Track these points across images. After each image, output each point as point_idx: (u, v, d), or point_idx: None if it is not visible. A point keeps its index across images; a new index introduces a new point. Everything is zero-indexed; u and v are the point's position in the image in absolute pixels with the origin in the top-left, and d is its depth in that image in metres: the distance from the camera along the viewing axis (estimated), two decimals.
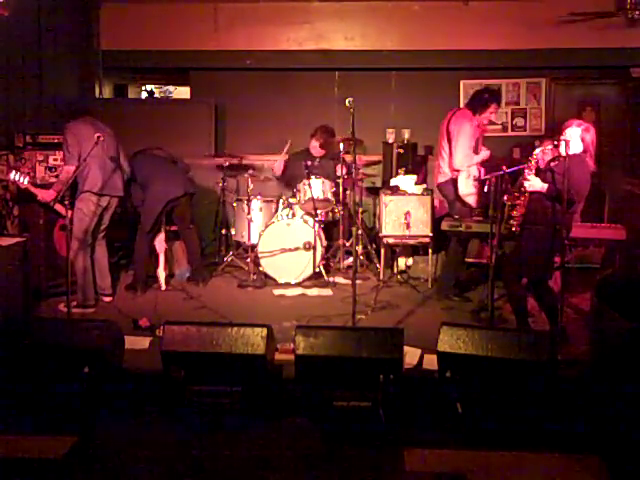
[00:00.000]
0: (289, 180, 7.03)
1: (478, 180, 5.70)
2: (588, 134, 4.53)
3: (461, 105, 8.11)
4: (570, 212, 4.54)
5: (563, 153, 4.46)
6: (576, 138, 4.50)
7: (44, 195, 5.39)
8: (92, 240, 5.55)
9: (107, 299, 5.71)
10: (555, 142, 4.48)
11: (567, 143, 4.43)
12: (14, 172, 5.36)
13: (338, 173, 6.65)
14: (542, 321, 4.89)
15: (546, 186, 4.48)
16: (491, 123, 6.13)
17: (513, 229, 4.62)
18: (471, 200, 5.76)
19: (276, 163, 7.10)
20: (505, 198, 4.65)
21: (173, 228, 6.40)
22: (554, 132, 4.81)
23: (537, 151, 4.60)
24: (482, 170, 5.82)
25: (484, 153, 5.79)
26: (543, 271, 4.67)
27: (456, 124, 5.68)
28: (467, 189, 5.73)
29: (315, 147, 6.94)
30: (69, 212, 4.83)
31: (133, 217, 6.29)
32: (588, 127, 4.57)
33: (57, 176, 5.96)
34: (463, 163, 5.65)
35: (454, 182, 5.77)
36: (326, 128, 6.98)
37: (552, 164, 4.59)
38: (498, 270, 4.72)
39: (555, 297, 4.75)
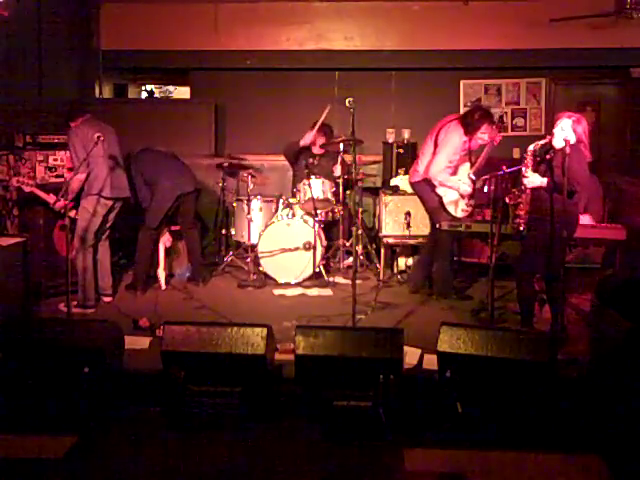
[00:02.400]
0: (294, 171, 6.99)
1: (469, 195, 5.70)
2: (580, 125, 4.53)
3: (461, 105, 8.16)
4: (574, 202, 4.54)
5: (558, 146, 4.46)
6: (568, 129, 4.51)
7: (49, 199, 5.43)
8: (95, 241, 5.55)
9: (107, 299, 5.71)
10: (548, 136, 4.51)
11: (567, 143, 4.43)
12: (16, 179, 5.41)
13: (336, 173, 6.65)
14: (543, 321, 4.89)
15: (545, 180, 4.49)
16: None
17: (520, 228, 4.62)
18: (452, 209, 5.71)
19: (308, 134, 6.74)
20: (507, 199, 4.65)
21: (174, 228, 6.40)
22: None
23: (531, 147, 4.61)
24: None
25: (464, 186, 5.65)
26: (558, 265, 4.63)
27: (446, 134, 5.60)
28: (447, 197, 5.71)
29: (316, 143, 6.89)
30: (72, 212, 4.85)
31: (134, 217, 6.29)
32: (579, 118, 4.57)
33: (57, 176, 5.97)
34: (436, 175, 5.59)
35: (426, 182, 5.73)
36: (324, 124, 6.96)
37: (548, 156, 4.58)
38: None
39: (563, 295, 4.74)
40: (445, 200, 5.68)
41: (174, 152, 6.38)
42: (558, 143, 4.47)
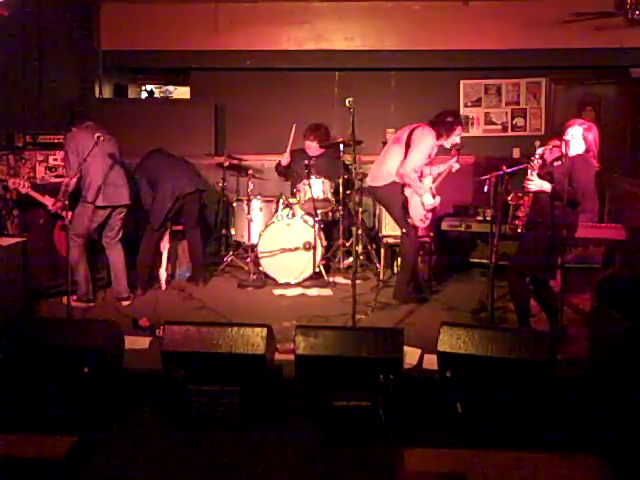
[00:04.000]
0: (290, 177, 7.00)
1: (430, 210, 5.62)
2: (590, 133, 4.51)
3: (461, 105, 8.16)
4: (576, 212, 4.54)
5: (564, 153, 4.45)
6: (578, 137, 4.49)
7: (46, 202, 5.45)
8: (85, 242, 5.58)
9: (125, 303, 5.69)
10: (558, 142, 4.48)
11: (567, 143, 4.42)
12: (12, 180, 5.42)
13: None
14: (542, 321, 4.89)
15: (549, 186, 4.47)
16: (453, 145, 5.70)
17: (518, 229, 4.61)
18: (412, 215, 5.62)
19: (285, 155, 6.96)
20: (509, 198, 4.65)
21: (176, 228, 6.41)
22: (556, 133, 4.79)
23: (539, 151, 4.58)
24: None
25: (428, 197, 5.54)
26: (546, 271, 4.66)
27: (421, 135, 5.50)
28: (411, 201, 5.61)
29: (310, 147, 6.90)
30: (68, 213, 4.87)
31: (138, 217, 6.31)
32: (590, 126, 4.55)
33: (57, 176, 5.99)
34: (409, 173, 5.46)
35: (394, 185, 5.60)
36: (316, 126, 6.90)
37: (555, 164, 4.58)
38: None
39: (556, 298, 4.74)
40: (409, 203, 5.60)
41: (182, 155, 6.42)
42: (565, 150, 4.45)
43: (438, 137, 5.53)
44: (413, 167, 5.51)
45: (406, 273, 5.81)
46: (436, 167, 5.80)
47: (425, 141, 5.50)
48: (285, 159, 7.03)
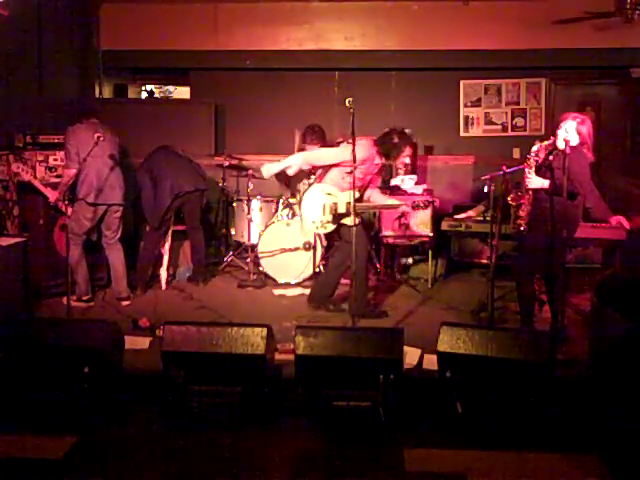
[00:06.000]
0: (289, 180, 6.99)
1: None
2: (584, 126, 4.53)
3: (461, 105, 8.16)
4: (575, 205, 4.54)
5: (561, 147, 4.45)
6: (572, 131, 4.51)
7: (47, 193, 5.44)
8: (83, 240, 5.59)
9: (125, 303, 5.69)
10: (552, 137, 4.51)
11: (567, 143, 4.43)
12: (17, 164, 5.42)
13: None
14: (542, 321, 4.89)
15: (547, 182, 4.49)
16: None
17: (521, 228, 4.62)
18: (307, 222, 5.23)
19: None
20: (509, 199, 4.66)
21: (179, 228, 6.40)
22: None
23: (535, 148, 4.61)
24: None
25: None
26: (557, 266, 4.64)
27: (364, 145, 5.05)
28: (307, 212, 5.20)
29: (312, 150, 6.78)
30: (69, 210, 4.86)
31: (138, 217, 6.30)
32: (584, 119, 4.57)
33: (57, 176, 5.98)
34: (307, 157, 5.29)
35: None
36: (312, 129, 6.61)
37: (550, 158, 4.58)
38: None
39: (562, 297, 4.74)
40: (306, 200, 5.21)
41: (187, 154, 6.40)
42: (561, 144, 4.47)
43: (386, 158, 5.17)
44: (316, 157, 5.28)
45: (335, 277, 5.45)
46: (388, 198, 5.55)
47: (362, 149, 4.98)
48: (293, 170, 6.47)
